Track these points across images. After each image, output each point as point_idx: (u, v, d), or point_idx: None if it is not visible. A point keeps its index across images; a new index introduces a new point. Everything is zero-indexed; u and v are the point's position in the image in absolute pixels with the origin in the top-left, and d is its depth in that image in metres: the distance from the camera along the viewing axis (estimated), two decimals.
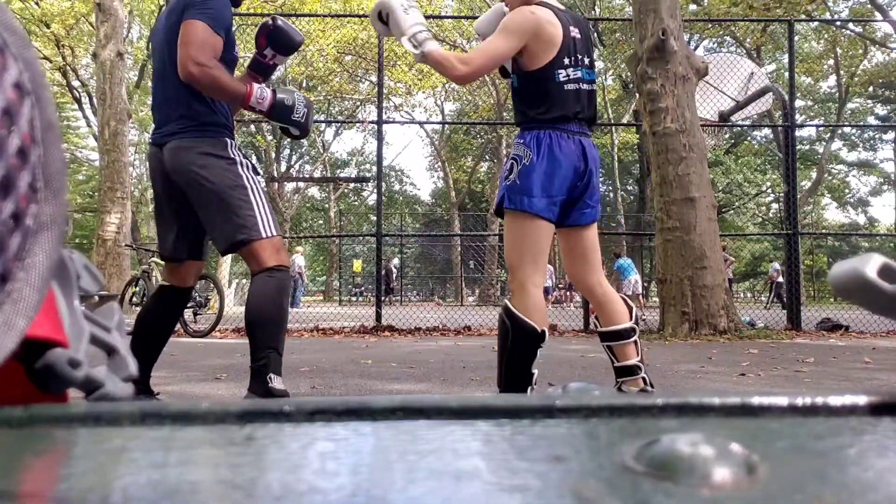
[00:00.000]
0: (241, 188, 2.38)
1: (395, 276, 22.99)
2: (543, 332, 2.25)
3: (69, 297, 0.31)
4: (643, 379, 2.35)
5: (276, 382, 2.35)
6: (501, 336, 2.29)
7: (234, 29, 2.54)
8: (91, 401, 0.31)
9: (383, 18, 2.34)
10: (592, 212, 2.41)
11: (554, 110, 2.29)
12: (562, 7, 2.38)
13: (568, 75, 2.29)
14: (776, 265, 18.74)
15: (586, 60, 2.36)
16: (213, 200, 2.37)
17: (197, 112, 2.42)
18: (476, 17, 3.27)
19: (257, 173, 2.50)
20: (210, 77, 2.30)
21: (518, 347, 2.25)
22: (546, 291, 20.43)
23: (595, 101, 2.40)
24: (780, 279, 18.11)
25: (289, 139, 2.68)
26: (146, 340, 2.58)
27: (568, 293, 20.99)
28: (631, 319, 2.38)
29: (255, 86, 2.40)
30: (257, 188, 2.42)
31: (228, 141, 2.45)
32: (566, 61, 2.29)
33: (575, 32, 2.34)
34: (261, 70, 2.67)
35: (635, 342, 2.38)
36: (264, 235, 2.36)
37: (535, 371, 2.28)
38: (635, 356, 2.36)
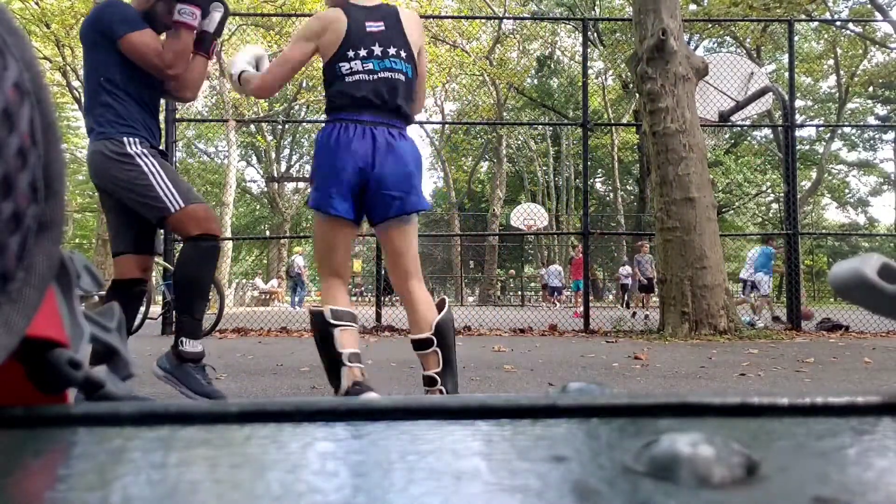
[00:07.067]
0: (143, 175, 2.58)
1: None
2: (332, 310, 2.25)
3: (69, 298, 0.31)
4: (440, 391, 2.25)
5: (188, 346, 2.54)
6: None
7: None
8: (91, 401, 0.31)
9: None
10: (400, 203, 2.30)
11: (338, 101, 2.32)
12: (368, 5, 2.40)
13: (351, 68, 2.31)
14: (626, 269, 17.76)
15: (391, 51, 2.35)
16: (128, 195, 2.60)
17: (96, 116, 2.62)
18: (476, 18, 3.26)
19: (164, 156, 2.72)
20: (180, 64, 2.63)
21: (316, 333, 2.30)
22: (555, 291, 20.46)
23: (401, 90, 2.35)
24: (629, 281, 17.30)
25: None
26: None
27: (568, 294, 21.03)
28: (431, 330, 2.27)
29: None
30: (156, 169, 2.60)
31: (125, 139, 2.61)
32: (350, 54, 2.32)
33: (375, 26, 2.35)
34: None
35: (436, 353, 2.27)
36: (174, 209, 2.56)
37: (348, 350, 2.22)
38: (435, 367, 2.26)
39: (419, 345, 2.29)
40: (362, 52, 2.32)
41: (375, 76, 2.31)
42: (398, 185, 2.29)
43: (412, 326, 2.33)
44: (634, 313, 8.89)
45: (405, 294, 2.36)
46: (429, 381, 2.29)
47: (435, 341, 2.27)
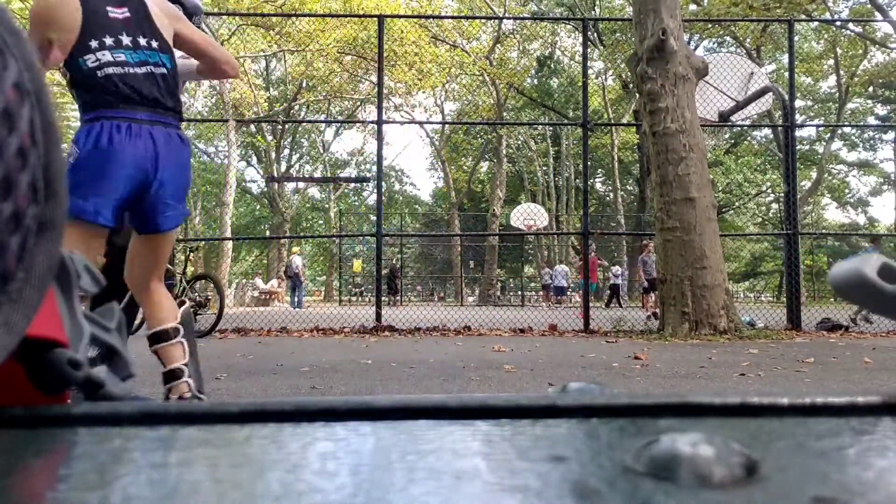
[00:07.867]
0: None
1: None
2: None
3: (69, 298, 0.31)
4: (187, 384, 2.14)
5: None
6: None
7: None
8: (91, 401, 0.31)
9: None
10: (174, 215, 2.18)
11: (98, 99, 2.05)
12: None
13: (99, 60, 2.05)
14: (617, 269, 20.32)
15: (141, 41, 2.12)
16: None
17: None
18: (476, 18, 3.24)
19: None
20: None
21: None
22: (561, 291, 20.48)
23: (165, 85, 2.14)
24: (621, 281, 19.28)
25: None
26: None
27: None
28: (177, 319, 2.18)
29: None
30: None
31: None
32: (93, 44, 2.05)
33: (118, 13, 2.11)
34: None
35: (181, 343, 2.18)
36: None
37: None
38: (181, 359, 2.16)
39: (164, 335, 2.16)
40: (108, 41, 2.06)
41: (132, 69, 2.08)
42: (176, 195, 2.15)
43: (153, 320, 2.18)
44: (650, 315, 8.95)
45: (149, 292, 2.22)
46: (173, 375, 2.14)
47: (181, 330, 2.18)
